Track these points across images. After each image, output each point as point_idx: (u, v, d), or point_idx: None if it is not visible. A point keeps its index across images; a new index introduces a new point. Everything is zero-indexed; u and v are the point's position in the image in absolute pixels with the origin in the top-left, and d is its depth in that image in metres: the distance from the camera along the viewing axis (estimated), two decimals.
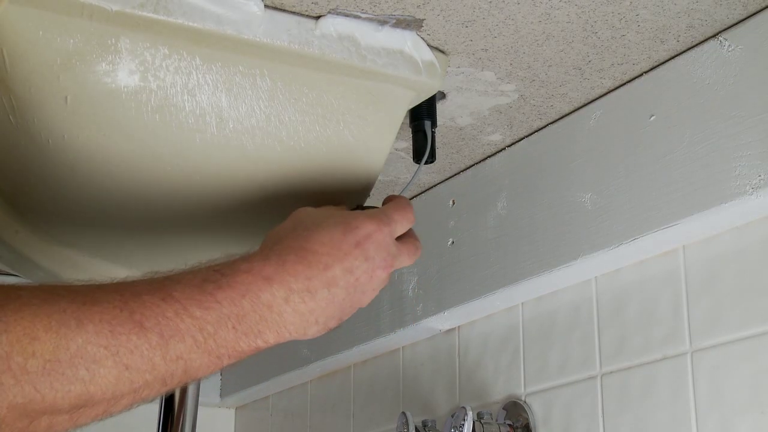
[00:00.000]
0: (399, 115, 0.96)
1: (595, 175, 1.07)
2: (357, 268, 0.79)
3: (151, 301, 0.69)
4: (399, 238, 0.84)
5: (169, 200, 0.93)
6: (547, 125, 1.15)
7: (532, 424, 1.15)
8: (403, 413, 1.17)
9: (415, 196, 1.33)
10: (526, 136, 1.17)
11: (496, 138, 1.17)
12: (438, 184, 1.29)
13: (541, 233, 1.12)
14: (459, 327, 1.29)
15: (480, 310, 1.24)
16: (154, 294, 0.70)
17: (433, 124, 1.03)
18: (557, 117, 1.13)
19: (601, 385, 1.09)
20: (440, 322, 1.28)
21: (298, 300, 0.75)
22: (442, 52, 0.98)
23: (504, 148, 1.20)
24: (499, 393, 1.21)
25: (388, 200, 0.89)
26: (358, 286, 0.79)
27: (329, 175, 0.94)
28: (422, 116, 1.03)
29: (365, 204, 0.95)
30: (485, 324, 1.25)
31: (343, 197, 0.95)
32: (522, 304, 1.21)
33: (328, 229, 0.79)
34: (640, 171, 1.02)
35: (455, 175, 1.27)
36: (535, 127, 1.15)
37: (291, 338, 0.76)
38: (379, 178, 1.06)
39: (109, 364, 0.67)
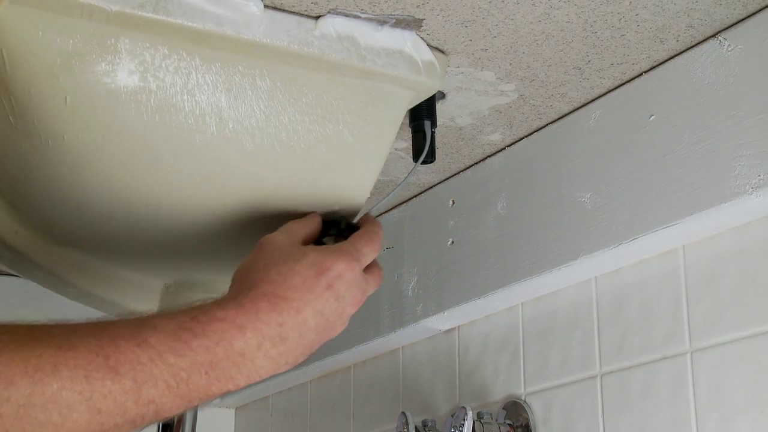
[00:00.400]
0: (399, 115, 0.96)
1: (595, 174, 1.07)
2: (328, 310, 0.81)
3: (126, 347, 0.71)
4: (366, 268, 0.86)
5: (169, 200, 0.93)
6: (547, 125, 1.15)
7: (532, 424, 1.15)
8: (403, 413, 1.17)
9: (415, 196, 1.33)
10: (526, 136, 1.17)
11: (496, 138, 1.17)
12: (438, 184, 1.29)
13: (541, 233, 1.12)
14: (459, 327, 1.29)
15: (480, 310, 1.24)
16: (129, 339, 0.71)
17: (433, 124, 1.03)
18: (557, 117, 1.13)
19: (601, 385, 1.09)
20: (440, 322, 1.28)
21: (270, 346, 0.77)
22: (442, 52, 0.98)
23: (504, 148, 1.20)
24: (499, 393, 1.21)
25: (362, 222, 0.90)
26: (328, 325, 0.81)
27: (329, 175, 0.94)
28: (422, 116, 1.03)
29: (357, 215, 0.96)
30: (485, 324, 1.25)
31: (343, 197, 0.95)
32: (522, 304, 1.21)
33: (300, 273, 0.80)
34: (640, 171, 1.02)
35: (455, 175, 1.27)
36: (534, 127, 1.15)
37: (261, 379, 0.78)
38: (379, 177, 1.06)
39: (82, 408, 0.68)
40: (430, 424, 1.21)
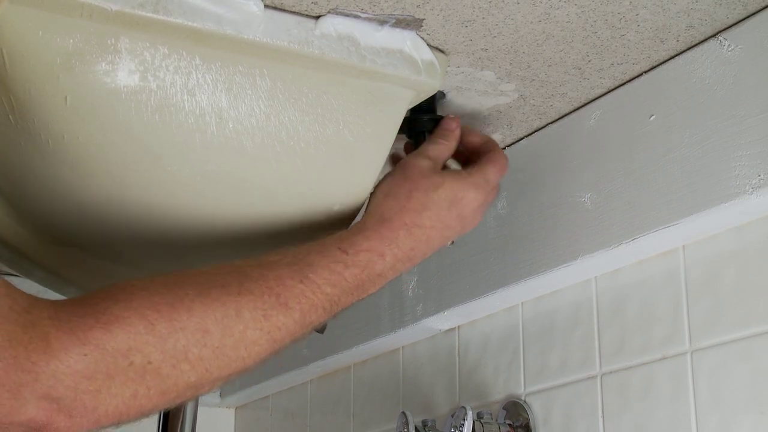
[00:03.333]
0: (399, 114, 0.96)
1: (595, 174, 1.07)
2: (451, 231, 0.94)
3: (293, 285, 0.82)
4: None
5: (169, 200, 0.93)
6: (547, 125, 1.15)
7: (532, 424, 1.15)
8: (403, 413, 1.17)
9: None
10: (526, 136, 1.17)
11: (496, 137, 1.17)
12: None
13: (541, 233, 1.12)
14: (459, 327, 1.29)
15: (480, 310, 1.24)
16: (294, 278, 0.83)
17: (434, 124, 1.03)
18: (557, 117, 1.13)
19: (601, 385, 1.09)
20: (440, 321, 1.28)
21: (401, 265, 0.90)
22: (442, 51, 0.98)
23: (504, 148, 1.20)
24: (499, 392, 1.21)
25: (487, 148, 1.00)
26: (448, 239, 0.95)
27: (329, 175, 0.94)
28: (422, 116, 1.03)
29: None
30: (485, 324, 1.25)
31: (343, 197, 0.95)
32: (522, 303, 1.21)
33: (436, 204, 0.92)
34: (640, 171, 1.02)
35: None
36: (534, 127, 1.16)
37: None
38: (379, 177, 1.06)
39: (263, 341, 0.80)
40: (430, 423, 1.21)
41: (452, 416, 1.11)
